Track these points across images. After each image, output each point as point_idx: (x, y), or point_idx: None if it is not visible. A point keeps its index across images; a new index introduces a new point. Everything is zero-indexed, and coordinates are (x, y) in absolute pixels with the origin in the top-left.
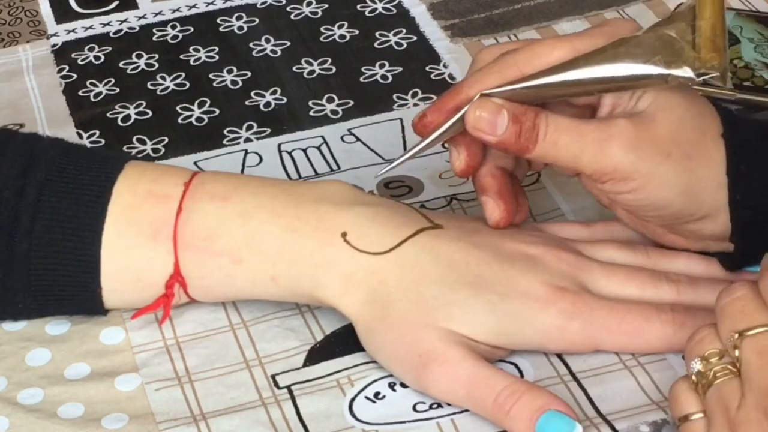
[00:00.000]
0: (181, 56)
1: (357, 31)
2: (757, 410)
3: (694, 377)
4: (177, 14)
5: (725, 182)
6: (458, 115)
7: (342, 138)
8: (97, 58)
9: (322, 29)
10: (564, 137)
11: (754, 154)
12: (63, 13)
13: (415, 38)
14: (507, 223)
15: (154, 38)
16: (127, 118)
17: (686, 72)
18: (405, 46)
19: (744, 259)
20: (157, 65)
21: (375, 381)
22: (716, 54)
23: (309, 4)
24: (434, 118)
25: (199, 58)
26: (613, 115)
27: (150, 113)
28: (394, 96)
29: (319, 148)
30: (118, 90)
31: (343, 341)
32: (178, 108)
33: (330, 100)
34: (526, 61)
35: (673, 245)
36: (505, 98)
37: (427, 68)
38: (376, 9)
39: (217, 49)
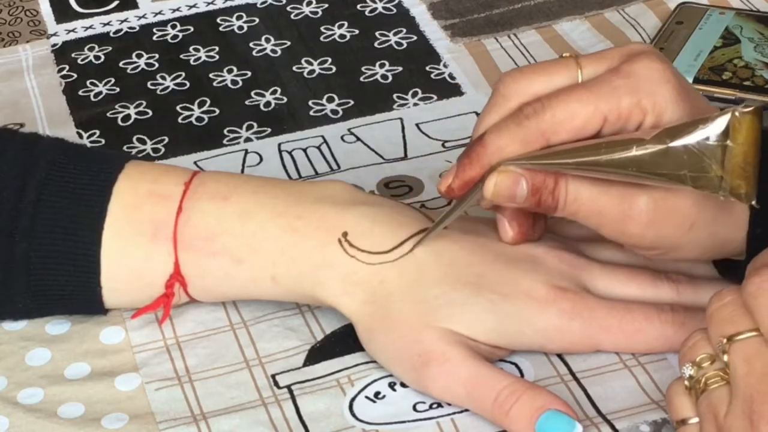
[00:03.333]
0: (181, 56)
1: (357, 31)
2: (743, 417)
3: (686, 382)
4: (177, 14)
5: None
6: (481, 185)
7: (342, 138)
8: (97, 57)
9: (322, 29)
10: (583, 210)
11: None
12: (63, 13)
13: (415, 38)
14: (518, 243)
15: (154, 38)
16: (127, 117)
17: (712, 190)
18: (405, 45)
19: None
20: (157, 65)
21: (375, 381)
22: (744, 182)
23: (309, 3)
24: (460, 191)
25: (199, 58)
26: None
27: (150, 113)
28: (394, 96)
29: (319, 147)
30: (118, 90)
31: (343, 341)
32: (178, 108)
33: (330, 100)
34: (551, 129)
35: None
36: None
37: (427, 68)
38: (376, 9)
39: (217, 48)
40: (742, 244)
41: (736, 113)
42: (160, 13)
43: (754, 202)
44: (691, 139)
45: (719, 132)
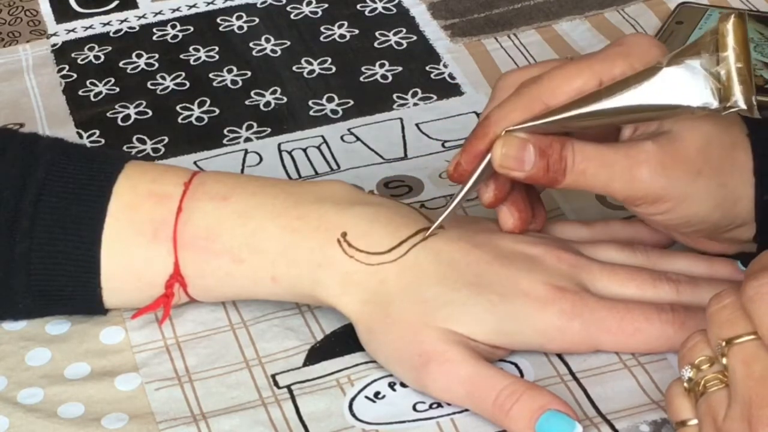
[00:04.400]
0: (181, 56)
1: (357, 31)
2: (742, 421)
3: (686, 384)
4: (177, 14)
5: (753, 182)
6: (488, 157)
7: (342, 138)
8: (97, 57)
9: (322, 29)
10: (592, 166)
11: None
12: (63, 13)
13: (415, 38)
14: (520, 230)
15: (154, 38)
16: (127, 117)
17: (713, 105)
18: (405, 45)
19: None
20: (157, 65)
21: (375, 381)
22: (743, 87)
23: (309, 3)
24: (468, 166)
25: (199, 58)
26: (638, 137)
27: (150, 113)
28: (394, 96)
29: (319, 147)
30: (118, 90)
31: (343, 341)
32: (178, 108)
33: (330, 100)
34: (549, 93)
35: (706, 250)
36: (530, 132)
37: (427, 68)
38: (376, 9)
39: (217, 48)
40: (751, 203)
41: (722, 23)
42: (160, 13)
43: (756, 116)
44: (684, 54)
45: (711, 45)
